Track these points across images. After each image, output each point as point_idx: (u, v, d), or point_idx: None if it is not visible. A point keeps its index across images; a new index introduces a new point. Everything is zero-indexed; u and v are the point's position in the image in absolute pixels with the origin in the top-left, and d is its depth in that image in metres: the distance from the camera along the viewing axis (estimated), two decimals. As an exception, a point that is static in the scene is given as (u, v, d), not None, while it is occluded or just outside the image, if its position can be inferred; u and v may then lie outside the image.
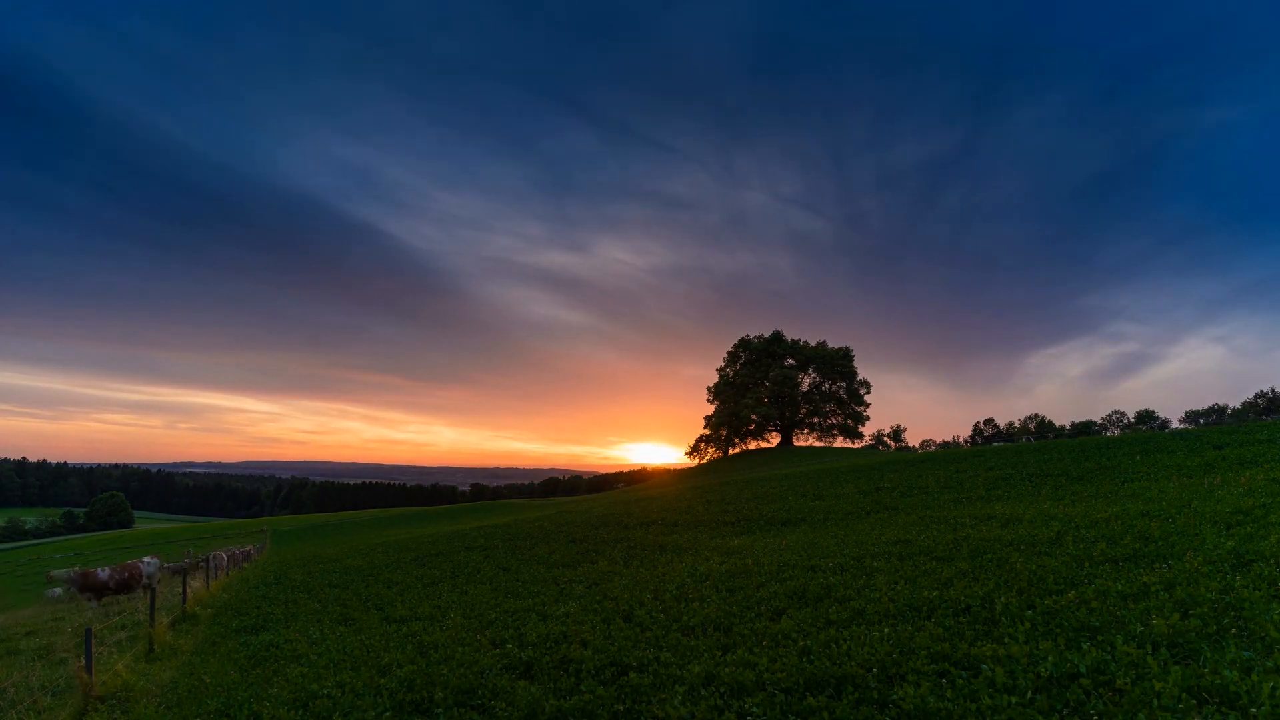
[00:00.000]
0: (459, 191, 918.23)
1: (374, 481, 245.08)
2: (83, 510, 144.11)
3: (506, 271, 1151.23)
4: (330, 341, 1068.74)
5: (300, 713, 7.33)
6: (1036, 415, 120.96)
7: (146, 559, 19.33)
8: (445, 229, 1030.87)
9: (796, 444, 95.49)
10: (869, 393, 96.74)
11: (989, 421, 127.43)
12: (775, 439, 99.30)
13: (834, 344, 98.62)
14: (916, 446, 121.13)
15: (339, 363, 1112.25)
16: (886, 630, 7.21)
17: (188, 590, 16.63)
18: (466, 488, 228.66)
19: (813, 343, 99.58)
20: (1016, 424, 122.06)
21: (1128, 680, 5.00)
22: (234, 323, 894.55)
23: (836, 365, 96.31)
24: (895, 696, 5.43)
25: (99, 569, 18.36)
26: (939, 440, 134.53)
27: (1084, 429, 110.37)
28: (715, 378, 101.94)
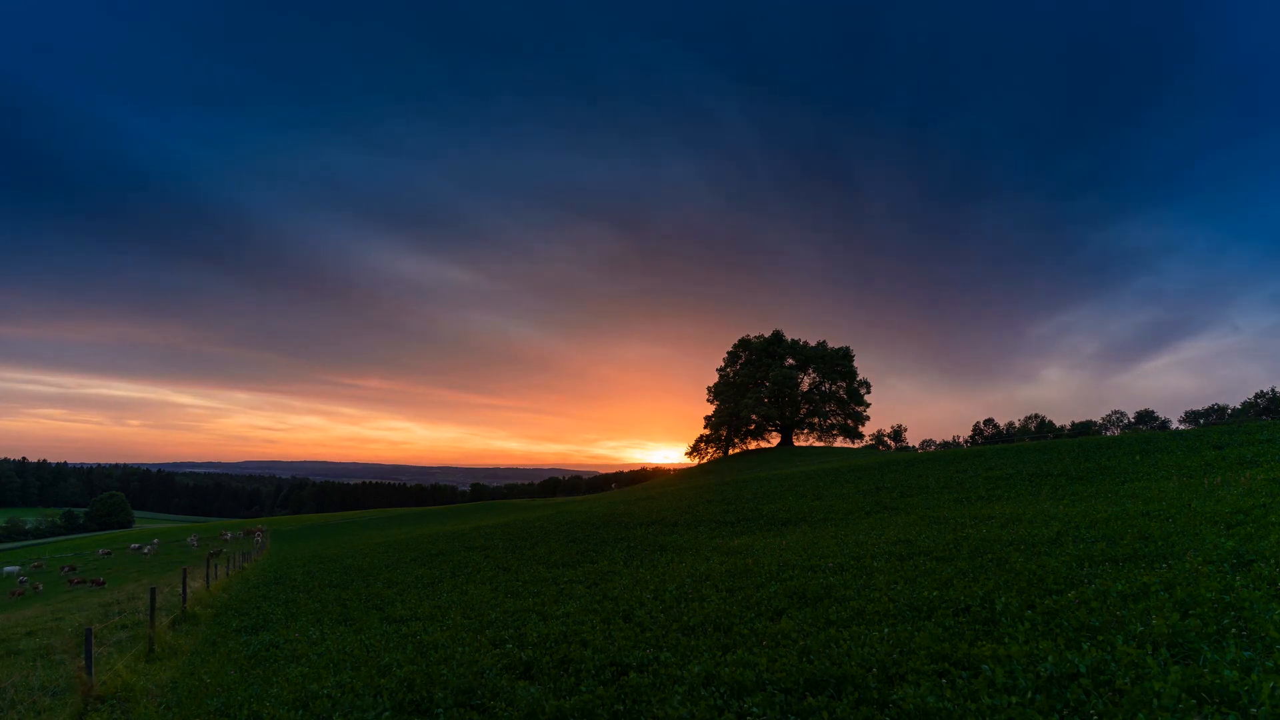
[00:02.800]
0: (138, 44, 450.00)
1: (373, 481, 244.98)
2: (83, 510, 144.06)
3: (312, 197, 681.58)
4: (153, 304, 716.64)
5: (300, 713, 7.33)
6: (1036, 415, 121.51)
7: (144, 546, 19.47)
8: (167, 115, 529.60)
9: (796, 444, 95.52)
10: (869, 393, 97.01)
11: (989, 421, 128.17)
12: (775, 439, 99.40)
13: (801, 323, 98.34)
14: (916, 446, 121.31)
15: (215, 339, 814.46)
16: (886, 630, 7.21)
17: (187, 590, 16.62)
18: (467, 487, 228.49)
19: (812, 342, 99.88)
20: (1016, 424, 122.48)
21: (1128, 680, 5.00)
22: (45, 288, 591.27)
23: (836, 365, 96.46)
24: (895, 696, 5.43)
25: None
26: (939, 440, 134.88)
27: (1084, 429, 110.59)
28: (669, 367, 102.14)
